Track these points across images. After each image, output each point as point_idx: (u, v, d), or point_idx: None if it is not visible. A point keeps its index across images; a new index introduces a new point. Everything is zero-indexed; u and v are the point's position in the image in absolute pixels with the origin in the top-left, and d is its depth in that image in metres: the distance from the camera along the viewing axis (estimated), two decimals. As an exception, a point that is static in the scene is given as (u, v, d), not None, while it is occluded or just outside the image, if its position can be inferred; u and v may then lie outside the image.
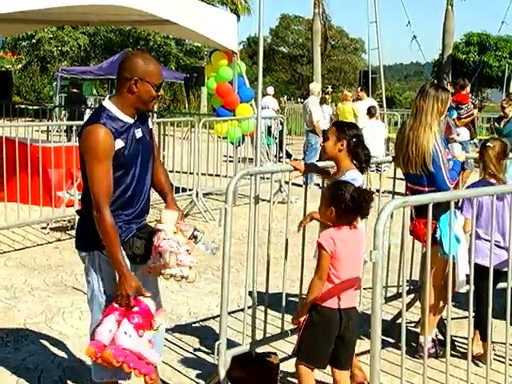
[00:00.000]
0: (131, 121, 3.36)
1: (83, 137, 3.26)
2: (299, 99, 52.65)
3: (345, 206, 3.54)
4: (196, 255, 3.52)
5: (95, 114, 3.36)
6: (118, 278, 3.29)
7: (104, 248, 3.30)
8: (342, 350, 3.68)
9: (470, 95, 11.85)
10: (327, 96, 14.82)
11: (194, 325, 5.37)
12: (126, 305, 3.28)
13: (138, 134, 3.40)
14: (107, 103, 3.35)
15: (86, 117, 18.09)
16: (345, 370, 3.78)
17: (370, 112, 13.40)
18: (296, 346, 3.76)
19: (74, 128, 14.74)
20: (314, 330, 3.65)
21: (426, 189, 4.58)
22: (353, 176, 3.96)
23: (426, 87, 4.71)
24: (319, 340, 3.64)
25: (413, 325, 5.18)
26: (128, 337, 3.22)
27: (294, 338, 3.97)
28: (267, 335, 4.58)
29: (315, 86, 13.49)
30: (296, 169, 4.35)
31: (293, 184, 5.05)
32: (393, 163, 5.03)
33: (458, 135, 9.84)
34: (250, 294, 4.43)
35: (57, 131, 17.25)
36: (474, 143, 13.35)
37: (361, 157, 4.06)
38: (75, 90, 19.56)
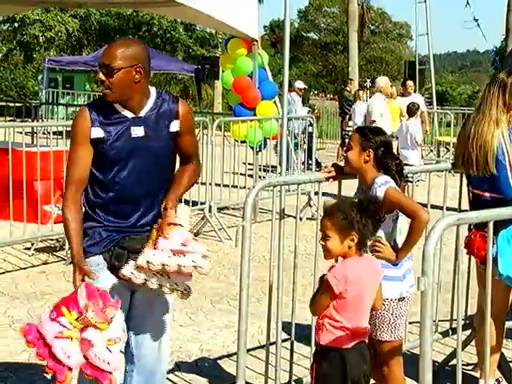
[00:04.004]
0: (130, 115, 3.50)
1: None
2: (329, 95, 52.71)
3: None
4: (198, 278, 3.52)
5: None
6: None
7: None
8: None
9: None
10: (361, 92, 14.75)
11: (206, 364, 5.37)
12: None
13: (138, 132, 3.52)
14: None
15: None
16: None
17: (410, 110, 13.25)
18: None
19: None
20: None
21: (487, 194, 4.58)
22: (384, 179, 3.98)
23: (498, 73, 4.72)
24: None
25: (470, 367, 5.15)
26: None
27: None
28: (293, 378, 4.57)
29: (379, 82, 13.03)
30: (330, 172, 4.33)
31: (324, 194, 5.04)
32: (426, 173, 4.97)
33: None
34: (274, 328, 4.44)
35: (43, 133, 17.37)
36: None
37: (392, 168, 4.07)
38: None
